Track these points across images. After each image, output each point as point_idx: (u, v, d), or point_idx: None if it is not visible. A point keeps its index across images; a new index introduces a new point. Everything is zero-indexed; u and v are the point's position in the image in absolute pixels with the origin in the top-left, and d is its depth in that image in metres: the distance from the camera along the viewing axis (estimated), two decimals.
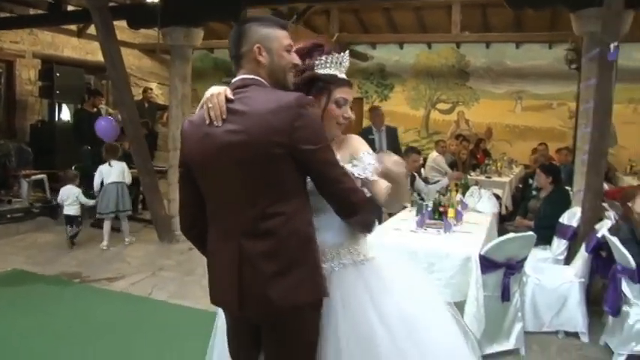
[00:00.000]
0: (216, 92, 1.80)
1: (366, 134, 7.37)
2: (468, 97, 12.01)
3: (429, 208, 4.60)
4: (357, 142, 2.02)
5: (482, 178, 8.29)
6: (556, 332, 4.20)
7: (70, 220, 6.66)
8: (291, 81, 1.92)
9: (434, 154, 9.26)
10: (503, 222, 6.14)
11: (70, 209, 6.66)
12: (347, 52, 2.06)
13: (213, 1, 6.49)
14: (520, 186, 8.59)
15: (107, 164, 6.79)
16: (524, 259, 3.84)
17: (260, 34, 1.87)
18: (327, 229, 1.89)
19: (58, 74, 9.38)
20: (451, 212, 4.49)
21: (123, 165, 6.76)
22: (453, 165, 9.13)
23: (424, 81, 12.38)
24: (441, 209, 4.55)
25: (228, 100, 1.78)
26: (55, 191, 8.56)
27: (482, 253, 3.59)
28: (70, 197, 6.67)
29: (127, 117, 6.34)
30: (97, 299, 4.98)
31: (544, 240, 5.14)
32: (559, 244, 4.86)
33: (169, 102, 7.25)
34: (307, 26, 11.63)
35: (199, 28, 6.87)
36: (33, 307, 4.69)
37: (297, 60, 1.93)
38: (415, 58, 12.38)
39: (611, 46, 3.86)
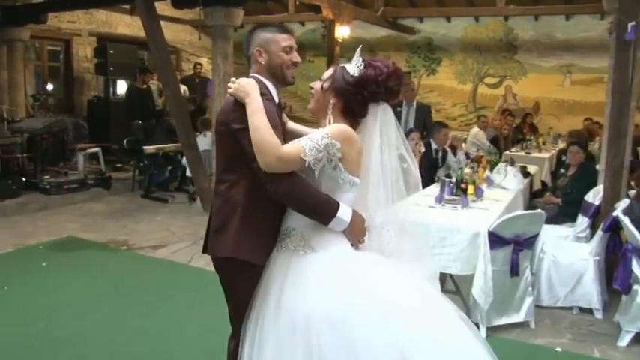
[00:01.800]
0: (231, 82, 2.11)
1: (394, 106, 7.47)
2: (516, 71, 11.81)
3: (452, 185, 4.74)
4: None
5: (521, 153, 8.24)
6: (571, 308, 4.29)
7: None
8: (291, 76, 2.20)
9: (475, 130, 9.28)
10: (534, 199, 6.17)
11: None
12: None
13: None
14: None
15: (202, 134, 8.24)
16: (535, 236, 3.95)
17: (261, 38, 2.18)
18: (290, 212, 2.06)
19: (111, 51, 9.87)
20: (470, 189, 4.61)
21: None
22: (494, 140, 9.12)
23: (472, 55, 12.24)
24: (462, 186, 4.69)
25: None
26: (110, 163, 9.15)
27: (490, 229, 3.72)
28: None
29: (170, 94, 6.68)
30: (140, 265, 5.39)
31: (570, 217, 5.20)
32: (582, 222, 4.90)
33: (213, 81, 7.56)
34: (352, 1, 11.69)
35: (239, 7, 7.09)
36: (83, 270, 5.14)
37: (296, 58, 2.20)
38: (463, 31, 12.24)
39: (629, 25, 3.84)
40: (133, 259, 5.58)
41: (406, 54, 12.92)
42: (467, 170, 4.91)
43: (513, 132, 9.97)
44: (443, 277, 4.14)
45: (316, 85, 2.06)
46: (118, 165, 9.48)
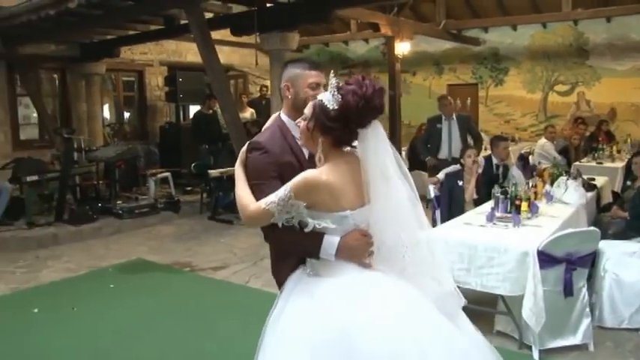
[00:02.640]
0: None
1: (434, 122, 7.39)
2: (588, 77, 11.30)
3: (506, 201, 4.60)
4: None
5: (592, 164, 7.87)
6: (637, 330, 4.04)
7: None
8: None
9: (542, 141, 8.96)
10: (602, 212, 5.86)
11: None
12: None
13: (304, 6, 6.84)
14: None
15: None
16: (590, 254, 3.76)
17: (290, 73, 2.26)
18: None
19: (180, 79, 10.31)
20: (524, 206, 4.46)
21: None
22: (563, 151, 8.77)
23: (540, 62, 11.84)
24: (517, 202, 4.54)
25: None
26: (180, 187, 9.52)
27: (540, 248, 3.58)
28: None
29: (228, 119, 6.90)
30: (200, 286, 5.57)
31: (638, 232, 4.90)
32: None
33: (272, 103, 7.76)
34: (414, 14, 11.66)
35: (294, 32, 7.26)
36: (147, 291, 5.38)
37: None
38: (530, 39, 11.87)
39: None
40: (194, 281, 5.77)
41: (472, 65, 12.69)
42: (522, 186, 4.74)
43: (587, 141, 9.54)
44: (494, 298, 4.03)
45: (302, 125, 2.02)
46: (188, 188, 9.82)
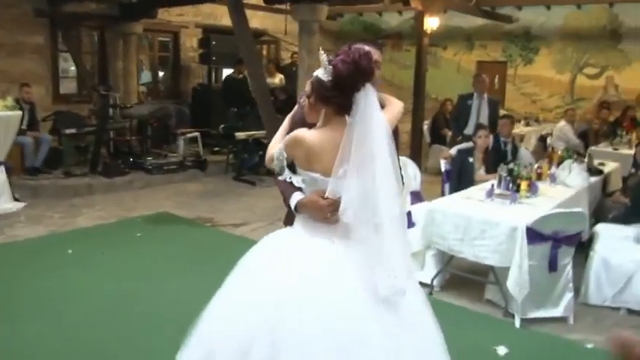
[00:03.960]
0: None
1: (465, 99, 7.51)
2: (619, 61, 11.21)
3: (508, 179, 4.86)
4: None
5: (608, 149, 7.99)
6: (619, 309, 4.31)
7: None
8: None
9: (561, 123, 9.08)
10: (607, 197, 6.06)
11: None
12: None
13: None
14: None
15: None
16: (577, 234, 4.03)
17: None
18: None
19: (214, 42, 10.60)
20: (524, 184, 4.72)
21: None
22: (583, 134, 8.89)
23: (571, 43, 11.76)
24: (518, 181, 4.80)
25: None
26: (208, 147, 9.92)
27: (528, 224, 3.87)
28: None
29: (255, 86, 7.23)
30: (220, 240, 6.01)
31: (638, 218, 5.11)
32: None
33: (299, 70, 8.02)
34: None
35: (323, 4, 7.47)
36: (170, 242, 5.83)
37: None
38: (563, 19, 11.78)
39: None
40: (215, 235, 6.21)
41: (503, 43, 12.64)
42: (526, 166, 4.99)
43: (611, 126, 9.58)
44: (487, 269, 4.35)
45: (305, 102, 2.20)
46: (215, 149, 10.20)
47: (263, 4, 9.15)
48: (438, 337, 2.16)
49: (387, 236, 2.04)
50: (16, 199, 6.81)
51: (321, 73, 2.11)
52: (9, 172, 6.81)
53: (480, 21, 12.37)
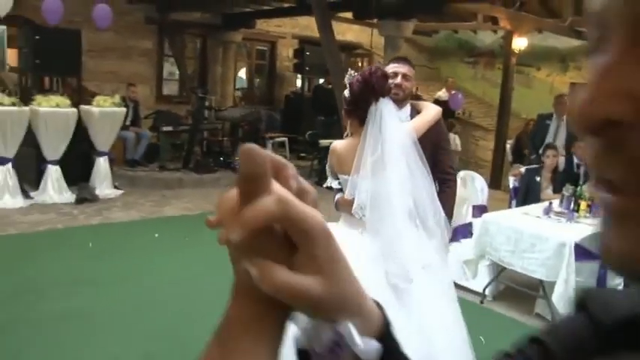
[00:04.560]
0: None
1: (544, 118, 7.44)
2: None
3: (571, 200, 4.90)
4: None
5: None
6: None
7: None
8: (391, 94, 2.63)
9: None
10: None
11: None
12: None
13: None
14: None
15: None
16: None
17: None
18: None
19: (307, 53, 11.15)
20: (583, 205, 4.74)
21: None
22: None
23: None
24: (579, 202, 4.83)
25: None
26: (295, 152, 10.43)
27: (577, 241, 3.94)
28: None
29: (339, 97, 7.60)
30: None
31: None
32: None
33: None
34: (543, 8, 11.51)
35: (409, 21, 7.75)
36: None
37: (396, 82, 2.69)
38: None
39: None
40: None
41: None
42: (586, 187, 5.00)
43: None
44: (538, 283, 4.43)
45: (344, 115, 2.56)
46: (302, 154, 10.68)
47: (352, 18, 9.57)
48: (456, 331, 2.42)
49: (399, 231, 2.34)
50: (115, 187, 7.60)
51: (345, 92, 2.46)
52: (112, 162, 7.61)
53: (575, 42, 12.07)
